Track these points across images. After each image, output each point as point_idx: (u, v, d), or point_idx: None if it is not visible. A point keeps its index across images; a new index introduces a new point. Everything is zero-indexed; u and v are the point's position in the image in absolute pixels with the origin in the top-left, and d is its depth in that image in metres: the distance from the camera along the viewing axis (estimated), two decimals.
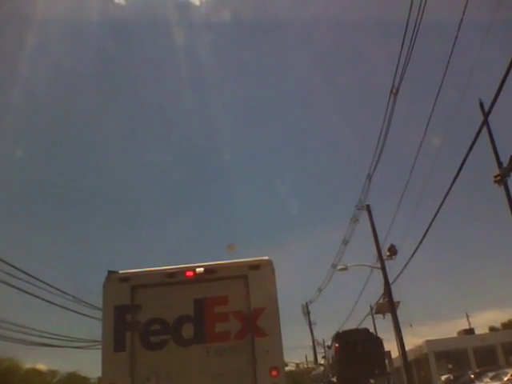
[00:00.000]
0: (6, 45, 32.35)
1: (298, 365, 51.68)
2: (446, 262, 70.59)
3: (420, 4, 10.39)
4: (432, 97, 13.33)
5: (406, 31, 11.22)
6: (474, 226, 67.30)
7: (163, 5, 45.79)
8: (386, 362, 20.58)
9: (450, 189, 14.48)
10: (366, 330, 21.45)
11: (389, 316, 23.30)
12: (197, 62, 55.53)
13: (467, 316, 49.23)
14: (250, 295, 6.73)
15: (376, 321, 30.42)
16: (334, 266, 29.25)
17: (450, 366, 38.38)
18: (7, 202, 48.29)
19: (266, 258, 7.07)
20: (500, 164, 14.93)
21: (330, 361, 21.80)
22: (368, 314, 30.52)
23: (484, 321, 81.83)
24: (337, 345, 19.71)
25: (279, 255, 55.84)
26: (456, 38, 10.94)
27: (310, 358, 47.80)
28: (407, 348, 24.36)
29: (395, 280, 22.80)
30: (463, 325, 48.67)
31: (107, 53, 50.85)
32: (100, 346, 6.83)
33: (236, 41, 58.49)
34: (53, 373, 38.32)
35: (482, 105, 15.13)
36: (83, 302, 22.91)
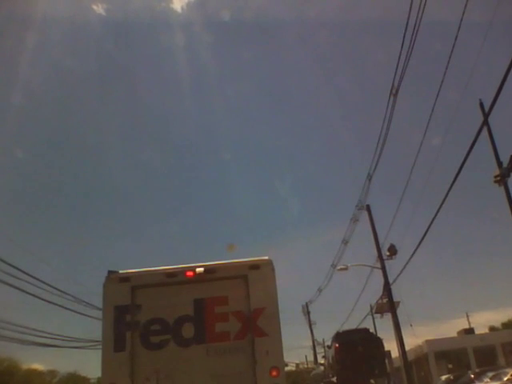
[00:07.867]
0: (6, 45, 32.33)
1: (298, 365, 51.69)
2: (445, 262, 70.65)
3: (420, 4, 10.41)
4: (432, 97, 13.35)
5: (405, 31, 11.24)
6: (474, 226, 67.29)
7: (164, 4, 45.77)
8: (386, 361, 20.54)
9: (450, 189, 14.48)
10: (366, 330, 21.44)
11: (389, 316, 23.32)
12: (197, 62, 55.55)
13: (467, 316, 49.35)
14: (250, 295, 6.72)
15: (376, 321, 30.45)
16: (333, 265, 29.32)
17: (449, 365, 38.30)
18: (7, 202, 48.31)
19: (266, 257, 7.07)
20: (500, 164, 14.91)
21: (330, 361, 21.77)
22: (368, 314, 30.55)
23: (484, 321, 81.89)
24: (337, 345, 19.69)
25: (279, 255, 55.81)
26: (456, 38, 10.95)
27: (310, 358, 47.88)
28: (407, 348, 24.38)
29: (395, 280, 22.86)
30: (463, 325, 48.69)
31: (107, 53, 50.85)
32: (100, 346, 6.82)
33: (236, 41, 58.52)
34: (52, 373, 38.31)
35: (482, 105, 15.11)
36: (83, 301, 22.96)
